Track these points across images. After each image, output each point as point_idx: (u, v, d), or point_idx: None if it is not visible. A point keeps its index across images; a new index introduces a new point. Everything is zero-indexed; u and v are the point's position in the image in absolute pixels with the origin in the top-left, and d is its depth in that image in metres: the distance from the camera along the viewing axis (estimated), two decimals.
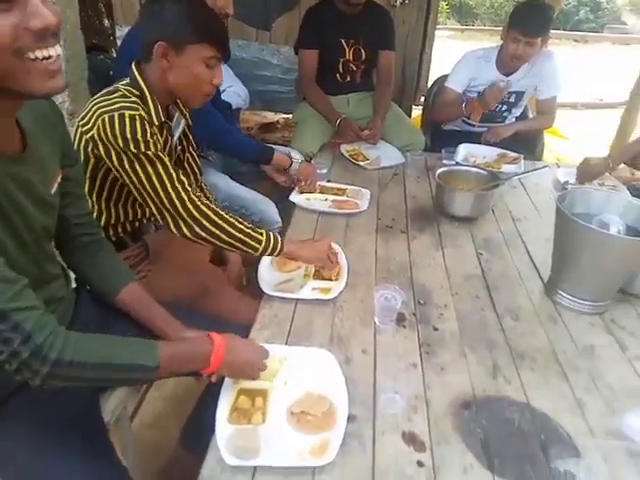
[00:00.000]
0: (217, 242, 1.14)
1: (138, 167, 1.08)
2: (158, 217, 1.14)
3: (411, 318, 1.17)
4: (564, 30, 12.06)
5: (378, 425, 0.89)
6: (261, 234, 1.17)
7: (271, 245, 1.18)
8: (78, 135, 1.11)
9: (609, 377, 1.02)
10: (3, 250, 0.73)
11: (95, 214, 1.21)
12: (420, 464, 0.82)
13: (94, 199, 1.20)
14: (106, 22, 3.67)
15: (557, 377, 1.02)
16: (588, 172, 1.82)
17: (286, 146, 2.18)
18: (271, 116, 4.35)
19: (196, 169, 1.43)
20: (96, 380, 0.79)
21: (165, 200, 1.10)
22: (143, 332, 1.00)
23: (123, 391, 1.00)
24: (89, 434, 0.88)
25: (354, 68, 2.32)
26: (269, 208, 1.74)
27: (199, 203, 1.12)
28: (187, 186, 1.12)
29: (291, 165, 1.74)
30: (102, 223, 1.23)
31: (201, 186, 1.46)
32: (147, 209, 1.19)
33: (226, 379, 0.94)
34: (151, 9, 1.12)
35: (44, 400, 0.85)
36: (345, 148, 2.15)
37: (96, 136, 1.06)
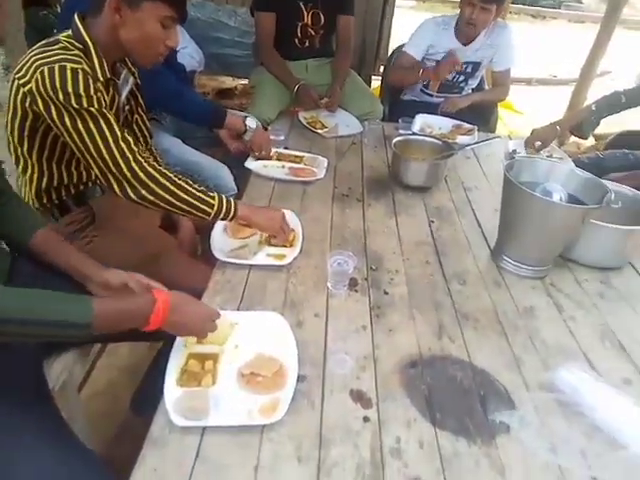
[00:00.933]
0: (166, 206, 1.10)
1: (80, 124, 1.01)
2: (102, 179, 1.08)
3: (363, 283, 1.20)
4: (523, 5, 12.22)
5: (327, 384, 0.91)
6: (213, 197, 1.14)
7: (224, 209, 1.15)
8: (14, 88, 1.03)
9: (545, 335, 1.08)
10: None
11: (36, 175, 1.15)
12: (366, 419, 0.85)
13: (34, 159, 1.13)
14: None
15: (497, 336, 1.07)
16: (536, 139, 1.87)
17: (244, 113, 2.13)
18: (229, 82, 4.22)
19: (145, 131, 1.37)
20: (22, 335, 0.74)
21: (109, 160, 1.04)
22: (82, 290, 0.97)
23: (69, 356, 0.98)
24: (32, 398, 0.85)
25: (313, 33, 2.26)
26: (224, 174, 1.70)
27: (145, 164, 1.07)
28: (133, 146, 1.07)
29: (245, 132, 1.70)
30: (43, 185, 1.16)
31: (150, 149, 1.40)
32: (92, 171, 1.13)
33: (175, 343, 0.93)
34: None
35: None
36: (303, 115, 2.12)
37: (34, 89, 0.99)
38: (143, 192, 1.07)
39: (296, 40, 2.26)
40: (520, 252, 1.26)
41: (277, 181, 1.60)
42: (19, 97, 1.04)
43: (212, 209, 1.14)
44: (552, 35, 8.70)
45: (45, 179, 1.16)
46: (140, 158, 1.07)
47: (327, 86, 2.23)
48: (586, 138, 1.96)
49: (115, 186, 1.07)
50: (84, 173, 1.21)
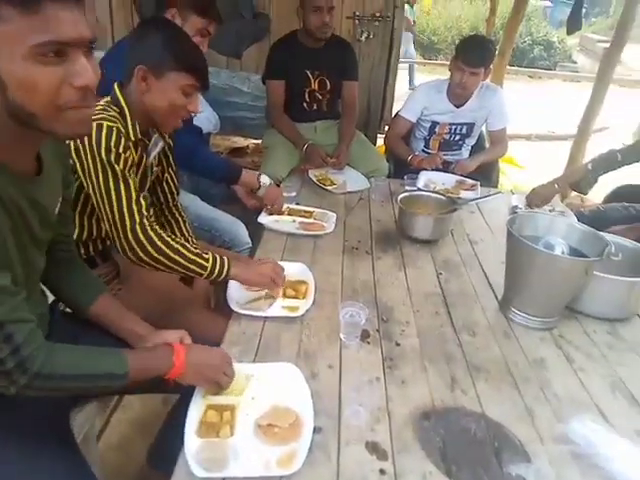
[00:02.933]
0: (160, 267, 1.17)
1: (101, 176, 1.10)
2: (110, 234, 1.16)
3: (375, 334, 1.23)
4: (519, 67, 12.87)
5: (343, 436, 0.92)
6: (207, 260, 1.21)
7: (216, 271, 1.21)
8: None
9: (556, 387, 1.09)
10: (10, 266, 0.75)
11: (75, 229, 1.24)
12: (382, 472, 0.86)
13: None
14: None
15: (509, 387, 1.08)
16: (537, 196, 1.95)
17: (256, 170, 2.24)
18: (241, 141, 4.43)
19: (174, 189, 1.49)
20: (69, 389, 0.81)
21: (117, 218, 1.12)
22: (112, 343, 1.02)
23: (92, 407, 1.01)
24: (60, 446, 0.88)
25: (320, 97, 2.42)
26: (239, 229, 1.78)
27: (148, 228, 1.15)
28: (143, 210, 1.15)
29: (259, 188, 1.79)
30: (75, 238, 1.24)
31: (176, 205, 1.50)
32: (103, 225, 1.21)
33: (194, 395, 0.96)
34: (137, 34, 1.18)
35: (16, 406, 0.85)
36: (313, 173, 2.22)
37: (72, 143, 1.09)
38: (140, 254, 1.14)
39: (304, 104, 2.41)
40: (527, 304, 1.29)
41: (289, 235, 1.67)
42: None
43: (205, 270, 1.21)
44: (549, 94, 9.09)
45: (77, 232, 1.24)
46: (145, 222, 1.15)
47: (334, 146, 2.36)
48: (585, 194, 2.03)
49: (117, 244, 1.15)
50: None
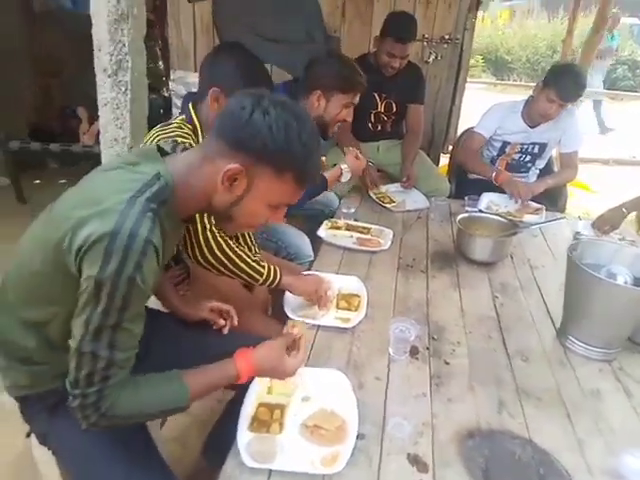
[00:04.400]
0: (223, 270, 1.27)
1: None
2: (182, 240, 1.25)
3: (424, 352, 1.25)
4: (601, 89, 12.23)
5: (385, 445, 0.95)
6: (263, 267, 1.31)
7: (270, 279, 1.32)
8: None
9: (612, 420, 1.06)
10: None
11: None
12: None
13: None
14: (161, 65, 4.04)
15: (560, 417, 1.06)
16: (604, 222, 1.87)
17: None
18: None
19: None
20: (135, 422, 0.90)
21: (191, 225, 1.22)
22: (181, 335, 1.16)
23: None
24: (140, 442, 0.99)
25: (385, 118, 2.48)
26: (303, 242, 1.86)
27: (217, 233, 1.25)
28: (212, 219, 1.24)
29: (342, 175, 1.86)
30: None
31: None
32: None
33: (247, 394, 1.03)
34: (212, 57, 1.31)
35: None
36: (373, 191, 2.28)
37: None
38: (207, 255, 1.24)
39: (369, 124, 2.48)
40: (585, 333, 1.26)
41: (345, 250, 1.73)
42: None
43: (261, 277, 1.31)
44: (631, 116, 8.55)
45: None
46: (215, 229, 1.25)
47: (396, 165, 2.40)
48: None
49: (188, 246, 1.24)
50: None
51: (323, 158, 2.18)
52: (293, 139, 0.84)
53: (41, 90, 3.90)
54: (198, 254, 1.25)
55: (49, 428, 0.95)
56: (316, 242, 1.85)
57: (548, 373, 1.20)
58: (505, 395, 1.12)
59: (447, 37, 2.92)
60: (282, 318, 1.33)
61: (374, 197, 2.23)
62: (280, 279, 1.32)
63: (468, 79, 3.33)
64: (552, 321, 1.42)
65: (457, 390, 1.12)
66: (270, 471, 0.87)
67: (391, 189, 2.31)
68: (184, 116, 1.32)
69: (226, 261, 1.26)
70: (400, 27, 2.24)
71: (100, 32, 1.45)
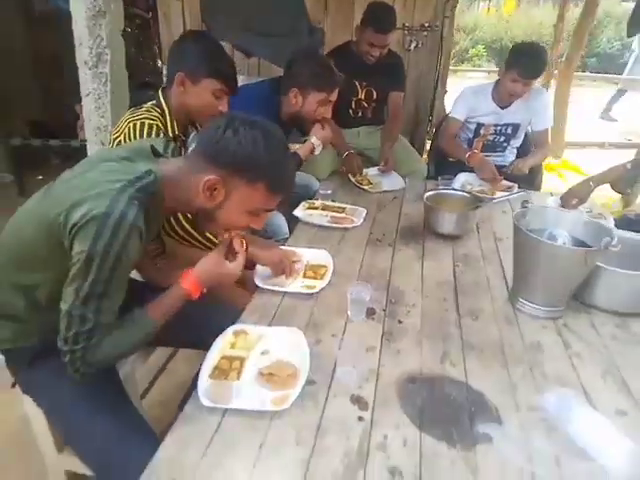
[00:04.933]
0: (191, 240, 1.41)
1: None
2: None
3: (380, 313, 1.35)
4: (606, 73, 12.12)
5: (332, 390, 1.05)
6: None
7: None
8: (110, 143, 1.40)
9: (547, 368, 1.15)
10: None
11: None
12: (360, 419, 0.98)
13: None
14: (159, 63, 4.18)
15: (499, 365, 1.16)
16: (572, 196, 1.95)
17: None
18: (293, 147, 4.70)
19: None
20: (117, 360, 1.08)
21: None
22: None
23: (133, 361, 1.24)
24: (117, 394, 1.11)
25: (365, 105, 2.57)
26: (279, 220, 1.97)
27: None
28: None
29: (314, 149, 1.97)
30: None
31: None
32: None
33: (211, 348, 1.14)
34: (177, 46, 1.42)
35: None
36: (355, 177, 2.36)
37: (121, 139, 1.34)
38: (176, 231, 1.39)
39: (350, 111, 2.58)
40: (532, 293, 1.35)
41: (319, 227, 1.83)
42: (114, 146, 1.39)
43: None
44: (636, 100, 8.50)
45: None
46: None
47: (376, 150, 2.49)
48: (625, 194, 2.00)
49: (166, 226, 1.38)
50: None
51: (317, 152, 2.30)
52: (260, 152, 0.99)
53: (41, 88, 4.05)
54: (175, 227, 1.37)
55: (30, 379, 1.07)
56: (294, 222, 1.96)
57: (494, 329, 1.29)
58: (450, 347, 1.21)
59: (427, 25, 3.01)
60: (254, 289, 1.44)
61: (353, 180, 2.32)
62: (247, 249, 1.42)
63: (470, 67, 3.41)
64: (507, 286, 1.51)
65: (406, 344, 1.22)
66: (225, 410, 0.98)
67: (370, 172, 2.40)
68: (154, 101, 1.43)
69: (191, 236, 1.38)
70: (379, 18, 2.33)
71: (79, 27, 1.56)
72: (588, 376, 1.12)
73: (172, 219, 1.35)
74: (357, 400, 1.03)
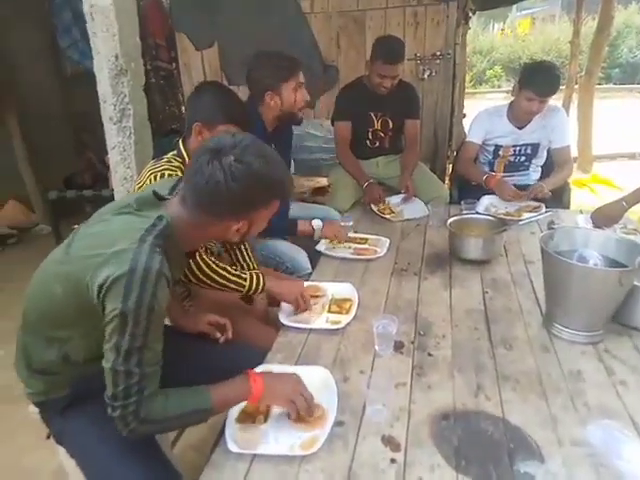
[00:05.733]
0: (210, 284, 1.41)
1: None
2: None
3: (409, 346, 1.31)
4: (632, 84, 11.90)
5: (362, 431, 1.02)
6: (245, 278, 1.45)
7: (254, 285, 1.46)
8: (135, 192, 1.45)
9: (589, 397, 1.08)
10: None
11: None
12: (393, 461, 0.94)
13: None
14: (184, 110, 4.37)
15: (536, 397, 1.10)
16: (603, 217, 1.88)
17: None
18: (323, 181, 4.75)
19: None
20: (166, 429, 1.06)
21: None
22: (179, 343, 1.26)
23: None
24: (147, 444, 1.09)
25: (382, 135, 2.60)
26: (300, 257, 1.97)
27: (198, 257, 1.37)
28: None
29: (314, 232, 1.98)
30: None
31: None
32: None
33: None
34: (193, 97, 1.48)
35: None
36: (377, 206, 2.36)
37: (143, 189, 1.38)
38: (194, 277, 1.39)
39: (367, 142, 2.60)
40: (568, 318, 1.29)
41: (342, 260, 1.82)
42: None
43: (245, 282, 1.45)
44: None
45: None
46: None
47: (395, 178, 2.49)
48: None
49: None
50: None
51: (325, 179, 2.31)
52: (266, 180, 1.01)
53: (75, 144, 4.28)
54: (189, 275, 1.40)
55: (62, 428, 1.09)
56: (317, 258, 1.96)
57: (530, 358, 1.24)
58: (484, 380, 1.16)
59: (439, 53, 3.04)
60: (280, 326, 1.43)
61: (375, 210, 2.32)
62: (264, 284, 1.45)
63: (488, 89, 3.41)
64: (541, 311, 1.45)
65: (437, 378, 1.18)
66: (254, 456, 0.96)
67: (392, 201, 2.40)
68: (175, 151, 1.48)
69: (208, 279, 1.41)
70: (388, 50, 2.37)
71: (103, 86, 1.66)
72: (635, 405, 1.05)
73: (192, 264, 1.37)
74: (389, 441, 0.99)
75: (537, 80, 2.19)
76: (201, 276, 1.39)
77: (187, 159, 1.46)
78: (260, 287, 1.46)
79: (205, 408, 1.00)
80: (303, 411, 1.03)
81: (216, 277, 1.41)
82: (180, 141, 1.50)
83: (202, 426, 1.81)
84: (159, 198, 1.05)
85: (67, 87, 4.37)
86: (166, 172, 1.39)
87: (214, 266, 1.42)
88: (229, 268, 1.45)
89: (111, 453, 1.04)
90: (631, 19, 12.77)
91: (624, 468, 0.87)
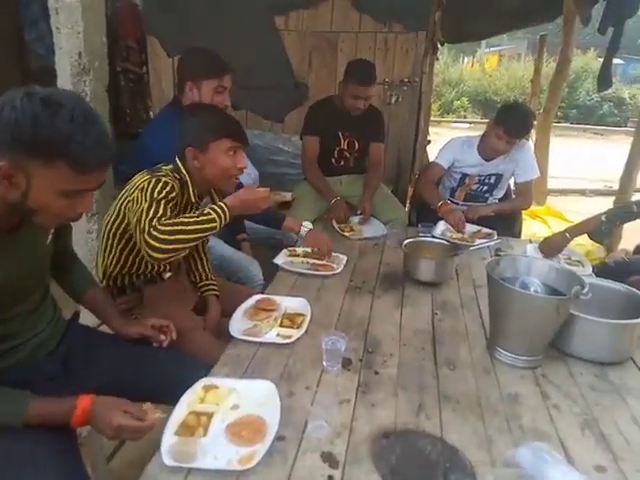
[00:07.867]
0: (182, 243, 1.31)
1: (143, 202, 1.33)
2: (139, 244, 1.33)
3: (357, 363, 1.32)
4: (586, 124, 12.67)
5: (303, 446, 1.02)
6: (209, 213, 1.36)
7: (221, 214, 1.37)
8: (124, 197, 1.41)
9: (524, 420, 1.12)
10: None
11: (114, 262, 1.51)
12: (330, 478, 0.94)
13: (116, 250, 1.48)
14: (151, 114, 4.35)
15: (475, 417, 1.13)
16: (549, 247, 1.98)
17: None
18: (288, 196, 4.78)
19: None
20: None
21: (139, 222, 1.31)
22: (123, 352, 1.25)
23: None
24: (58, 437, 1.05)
25: (348, 155, 2.65)
26: (253, 267, 1.97)
27: (152, 228, 1.29)
28: (161, 217, 1.32)
29: (299, 232, 1.97)
30: (116, 270, 1.51)
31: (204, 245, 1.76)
32: (149, 265, 1.47)
33: (180, 402, 1.10)
34: (181, 123, 1.46)
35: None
36: (339, 224, 2.39)
37: (136, 194, 1.35)
38: (162, 239, 1.28)
39: (333, 160, 2.64)
40: (509, 343, 1.33)
41: (300, 275, 1.83)
42: (124, 203, 1.41)
43: (216, 220, 1.36)
44: (612, 149, 8.83)
45: (119, 266, 1.50)
46: (156, 223, 1.29)
47: (358, 197, 2.54)
48: (603, 245, 2.04)
49: (144, 246, 1.29)
50: (143, 266, 1.53)
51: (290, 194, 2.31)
52: (43, 128, 0.85)
53: None
54: (154, 243, 1.28)
55: None
56: (274, 271, 1.95)
57: (471, 380, 1.27)
58: (426, 399, 1.18)
59: (406, 80, 3.15)
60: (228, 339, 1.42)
61: (336, 227, 2.34)
62: (227, 204, 1.39)
63: (455, 118, 3.54)
64: (486, 335, 1.50)
65: (381, 396, 1.19)
66: (189, 470, 0.94)
67: (353, 220, 2.43)
68: (171, 167, 1.46)
69: (177, 230, 1.30)
70: (361, 72, 2.43)
71: (64, 83, 1.62)
72: (566, 429, 1.10)
73: (150, 243, 1.30)
74: (328, 457, 0.99)
75: (509, 120, 2.29)
76: (168, 229, 1.30)
77: (188, 179, 1.46)
78: (227, 212, 1.38)
79: (18, 414, 0.98)
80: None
81: (181, 226, 1.32)
82: (178, 159, 1.47)
83: (141, 441, 1.76)
84: None
85: (31, 82, 4.21)
86: (163, 178, 1.37)
87: (171, 222, 1.32)
88: (186, 216, 1.38)
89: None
90: (589, 64, 13.64)
91: None
